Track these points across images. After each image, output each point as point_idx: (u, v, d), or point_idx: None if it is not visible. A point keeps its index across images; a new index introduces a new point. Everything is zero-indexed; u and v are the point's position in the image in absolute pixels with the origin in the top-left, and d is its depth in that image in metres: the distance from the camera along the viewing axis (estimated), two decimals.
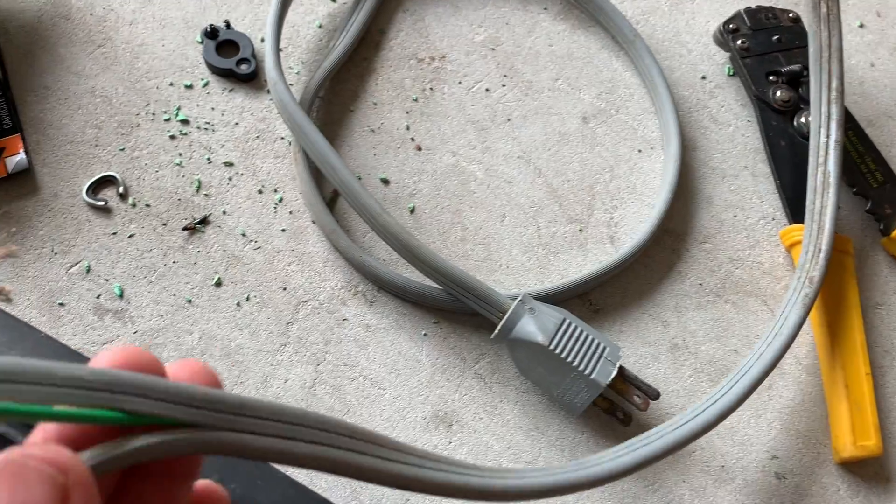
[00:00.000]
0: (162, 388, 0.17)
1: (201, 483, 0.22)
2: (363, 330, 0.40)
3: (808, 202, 0.42)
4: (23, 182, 0.41)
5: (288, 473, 0.30)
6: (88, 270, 0.39)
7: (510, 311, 0.38)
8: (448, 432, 0.38)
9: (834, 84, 0.43)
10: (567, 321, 0.38)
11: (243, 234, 0.41)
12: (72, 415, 0.17)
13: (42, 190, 0.41)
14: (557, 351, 0.37)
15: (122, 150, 0.42)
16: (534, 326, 0.37)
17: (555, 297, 0.41)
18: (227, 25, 0.46)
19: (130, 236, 0.40)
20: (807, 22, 0.44)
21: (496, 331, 0.38)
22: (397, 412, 0.38)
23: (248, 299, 0.40)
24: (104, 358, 0.19)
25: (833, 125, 0.42)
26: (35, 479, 0.16)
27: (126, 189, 0.41)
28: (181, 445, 0.18)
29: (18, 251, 0.38)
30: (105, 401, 0.17)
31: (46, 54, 0.44)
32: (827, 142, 0.42)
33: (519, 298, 0.38)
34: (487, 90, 0.47)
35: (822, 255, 0.39)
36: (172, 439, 0.17)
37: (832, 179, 0.41)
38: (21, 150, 0.41)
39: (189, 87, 0.45)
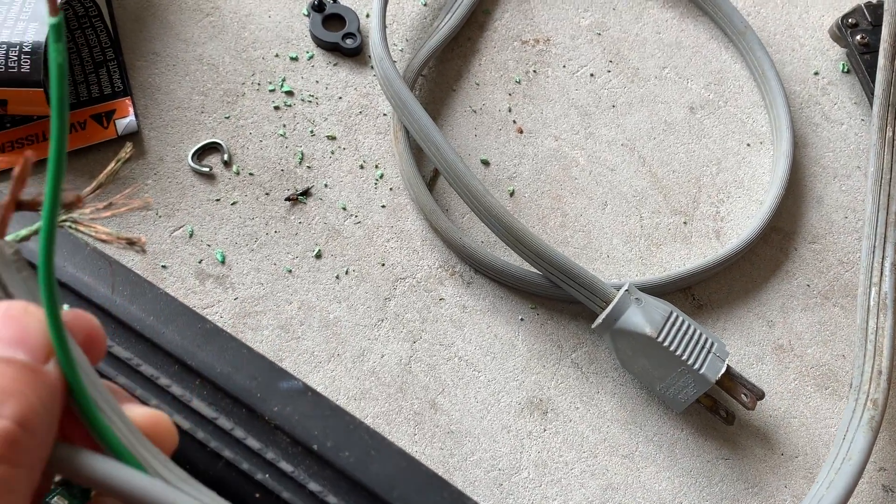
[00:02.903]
0: None
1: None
2: (459, 311, 0.39)
3: (859, 320, 0.39)
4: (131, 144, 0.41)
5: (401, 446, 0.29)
6: (191, 235, 0.39)
7: (616, 300, 0.37)
8: (543, 419, 0.37)
9: (893, 207, 0.41)
10: (674, 314, 0.37)
11: (344, 208, 0.41)
12: None
13: (149, 153, 0.41)
14: (665, 344, 0.35)
15: (228, 118, 0.42)
16: (641, 317, 0.36)
17: (657, 290, 0.40)
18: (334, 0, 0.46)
19: (233, 204, 0.40)
20: (870, 142, 0.42)
21: (600, 320, 0.37)
22: (492, 395, 0.38)
23: (346, 273, 0.39)
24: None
25: (889, 248, 0.40)
26: None
27: (230, 157, 0.41)
28: None
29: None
30: None
31: (156, 21, 0.45)
32: (882, 264, 0.40)
33: (625, 288, 0.37)
34: (592, 75, 0.46)
35: (884, 378, 0.37)
36: None
37: (889, 301, 0.39)
38: (131, 113, 0.41)
39: (294, 59, 0.44)
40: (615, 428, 0.38)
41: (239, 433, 0.26)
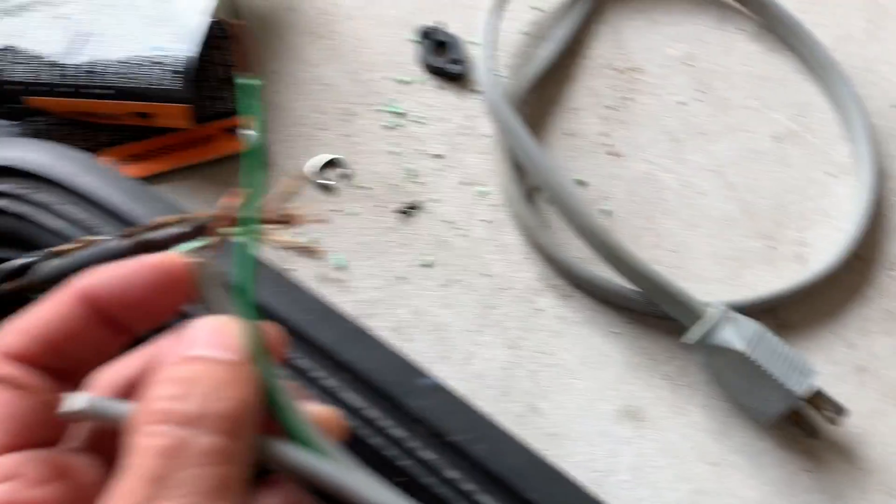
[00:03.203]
0: None
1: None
2: (558, 322, 0.42)
3: None
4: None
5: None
6: (316, 242, 0.43)
7: (709, 317, 0.39)
8: (637, 427, 0.40)
9: None
10: (764, 332, 0.39)
11: (450, 222, 0.44)
12: None
13: (273, 166, 0.45)
14: (755, 360, 0.38)
15: (344, 135, 0.46)
16: (733, 334, 0.38)
17: (744, 310, 0.42)
18: (442, 27, 0.49)
19: (351, 214, 0.44)
20: None
21: (693, 336, 0.39)
22: (588, 402, 0.40)
23: (453, 282, 0.43)
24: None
25: None
26: None
27: (348, 171, 0.45)
28: None
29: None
30: None
31: (277, 41, 0.48)
32: None
33: (718, 306, 0.39)
34: (682, 103, 0.49)
35: None
36: None
37: None
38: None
39: (404, 82, 0.48)
40: (705, 437, 0.40)
41: (384, 423, 0.30)
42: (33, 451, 0.20)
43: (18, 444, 0.20)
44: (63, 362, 0.21)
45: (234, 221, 0.25)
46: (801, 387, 0.38)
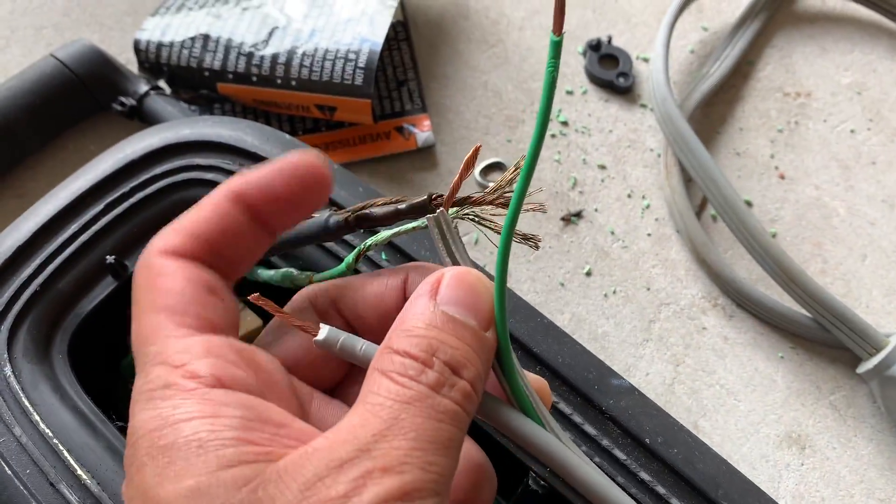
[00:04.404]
0: None
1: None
2: (721, 341, 0.41)
3: None
4: (426, 156, 0.46)
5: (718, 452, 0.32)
6: (476, 242, 0.43)
7: (890, 348, 0.38)
8: (800, 454, 0.39)
9: None
10: None
11: (612, 233, 0.44)
12: None
13: (440, 165, 0.45)
14: None
15: (509, 141, 0.46)
16: None
17: None
18: (609, 41, 0.49)
19: None
20: None
21: (871, 365, 0.38)
22: (751, 425, 0.39)
23: (614, 292, 0.42)
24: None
25: None
26: None
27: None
28: None
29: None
30: None
31: (447, 48, 0.50)
32: None
33: None
34: (852, 131, 0.48)
35: None
36: None
37: None
38: (428, 128, 0.46)
39: (570, 92, 0.48)
40: (872, 472, 0.39)
41: (577, 419, 0.30)
42: (225, 337, 0.21)
43: (209, 329, 0.21)
44: (218, 259, 0.22)
45: (451, 202, 0.25)
46: None
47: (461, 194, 0.24)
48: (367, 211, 0.25)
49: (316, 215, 0.27)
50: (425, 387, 0.19)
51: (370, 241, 0.28)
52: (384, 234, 0.28)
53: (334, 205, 0.33)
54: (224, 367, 0.20)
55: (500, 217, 0.27)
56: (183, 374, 0.19)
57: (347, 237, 0.33)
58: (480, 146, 0.24)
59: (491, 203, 0.23)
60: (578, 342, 0.31)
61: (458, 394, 0.19)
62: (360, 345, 0.22)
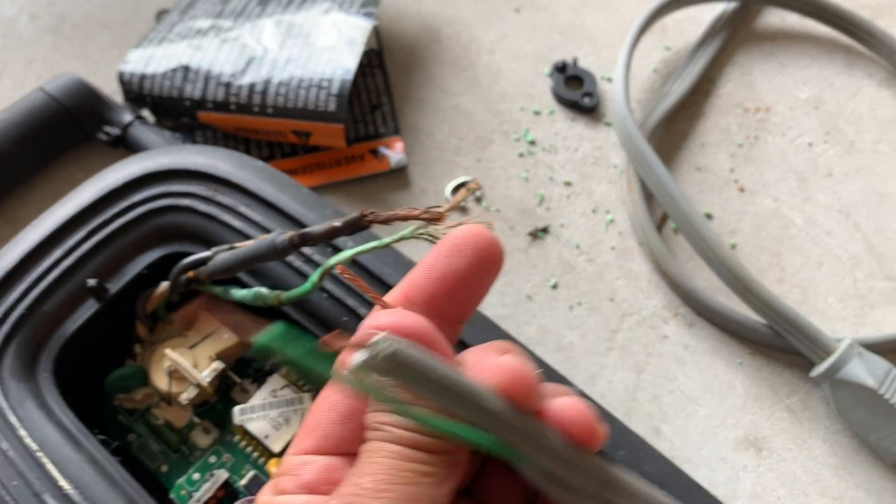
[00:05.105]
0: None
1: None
2: (682, 349, 0.43)
3: None
4: (399, 177, 0.48)
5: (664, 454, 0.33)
6: None
7: (840, 352, 0.40)
8: (757, 456, 0.41)
9: None
10: (894, 370, 0.39)
11: (577, 246, 0.46)
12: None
13: (413, 185, 0.48)
14: (886, 396, 0.38)
15: (479, 160, 0.49)
16: (863, 370, 0.39)
17: (871, 349, 0.42)
18: (575, 62, 0.51)
19: None
20: None
21: (822, 369, 0.40)
22: (710, 429, 0.41)
23: (579, 304, 0.44)
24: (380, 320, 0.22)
25: None
26: None
27: (481, 194, 0.47)
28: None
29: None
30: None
31: (421, 72, 0.52)
32: None
33: (848, 342, 0.40)
34: (810, 144, 0.49)
35: None
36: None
37: None
38: (401, 150, 0.48)
39: (537, 113, 0.50)
40: (826, 471, 0.40)
41: None
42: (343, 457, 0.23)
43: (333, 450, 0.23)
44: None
45: (382, 219, 0.27)
46: None
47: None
48: (308, 230, 0.27)
49: (264, 236, 0.29)
50: (405, 452, 0.21)
51: (332, 260, 0.30)
52: (346, 252, 0.30)
53: (302, 226, 0.35)
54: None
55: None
56: None
57: (316, 257, 0.35)
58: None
59: (417, 218, 0.25)
60: (532, 352, 0.33)
61: (432, 461, 0.21)
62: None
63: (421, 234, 0.29)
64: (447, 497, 0.21)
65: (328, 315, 0.34)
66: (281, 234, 0.28)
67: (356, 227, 0.26)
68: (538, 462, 0.21)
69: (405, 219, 0.26)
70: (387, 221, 0.26)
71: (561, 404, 0.22)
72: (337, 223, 0.27)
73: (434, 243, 0.29)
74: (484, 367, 0.22)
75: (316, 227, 0.27)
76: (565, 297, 0.45)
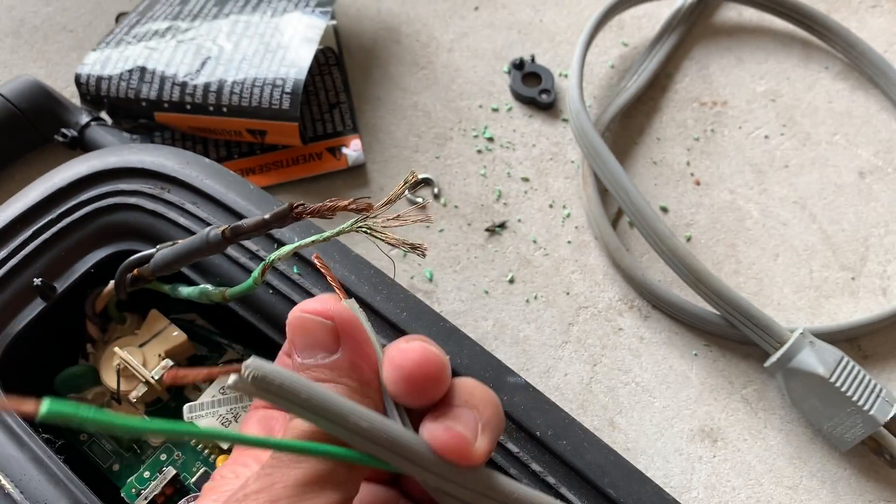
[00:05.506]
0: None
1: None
2: (637, 341, 0.43)
3: None
4: (357, 174, 0.48)
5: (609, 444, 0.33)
6: (405, 255, 0.45)
7: (791, 341, 0.40)
8: (713, 447, 0.41)
9: None
10: (845, 359, 0.39)
11: (534, 241, 0.46)
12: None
13: (371, 183, 0.48)
14: (837, 384, 0.38)
15: (437, 157, 0.49)
16: (814, 359, 0.39)
17: (825, 338, 0.42)
18: (532, 59, 0.52)
19: (440, 231, 0.46)
20: None
21: (774, 359, 0.40)
22: (666, 420, 0.41)
23: (535, 298, 0.44)
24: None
25: None
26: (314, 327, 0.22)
27: (439, 191, 0.47)
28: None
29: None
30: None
31: (379, 70, 0.52)
32: None
33: (800, 331, 0.40)
34: (766, 137, 0.50)
35: None
36: None
37: None
38: (359, 148, 0.48)
39: (495, 110, 0.51)
40: (781, 461, 0.41)
41: None
42: None
43: None
44: None
45: (312, 212, 0.27)
46: (883, 413, 0.38)
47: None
48: (238, 223, 0.27)
49: (199, 231, 0.29)
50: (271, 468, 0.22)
51: (273, 255, 0.30)
52: (287, 247, 0.30)
53: None
54: None
55: (394, 230, 0.29)
56: None
57: (261, 254, 0.35)
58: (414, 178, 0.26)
59: (345, 209, 0.25)
60: (478, 344, 0.33)
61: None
62: None
63: (360, 227, 0.29)
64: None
65: (274, 311, 0.34)
66: (214, 228, 0.28)
67: (285, 219, 0.26)
68: (410, 473, 0.22)
69: (333, 209, 0.26)
70: (315, 213, 0.26)
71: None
72: (266, 216, 0.27)
73: (373, 237, 0.29)
74: (391, 353, 0.22)
75: (247, 221, 0.27)
76: (522, 292, 0.45)
